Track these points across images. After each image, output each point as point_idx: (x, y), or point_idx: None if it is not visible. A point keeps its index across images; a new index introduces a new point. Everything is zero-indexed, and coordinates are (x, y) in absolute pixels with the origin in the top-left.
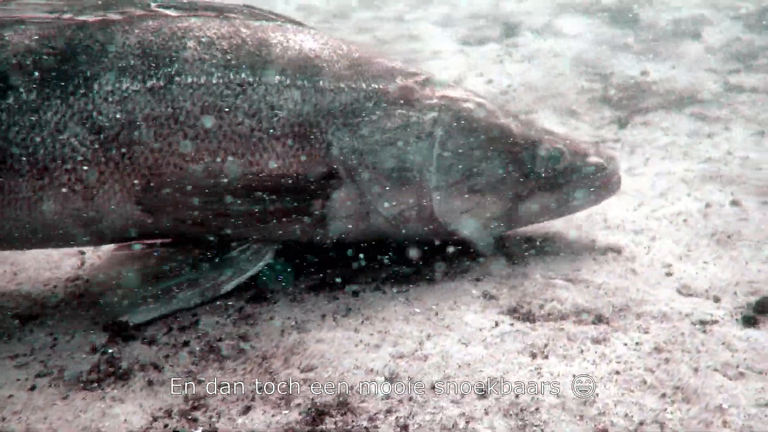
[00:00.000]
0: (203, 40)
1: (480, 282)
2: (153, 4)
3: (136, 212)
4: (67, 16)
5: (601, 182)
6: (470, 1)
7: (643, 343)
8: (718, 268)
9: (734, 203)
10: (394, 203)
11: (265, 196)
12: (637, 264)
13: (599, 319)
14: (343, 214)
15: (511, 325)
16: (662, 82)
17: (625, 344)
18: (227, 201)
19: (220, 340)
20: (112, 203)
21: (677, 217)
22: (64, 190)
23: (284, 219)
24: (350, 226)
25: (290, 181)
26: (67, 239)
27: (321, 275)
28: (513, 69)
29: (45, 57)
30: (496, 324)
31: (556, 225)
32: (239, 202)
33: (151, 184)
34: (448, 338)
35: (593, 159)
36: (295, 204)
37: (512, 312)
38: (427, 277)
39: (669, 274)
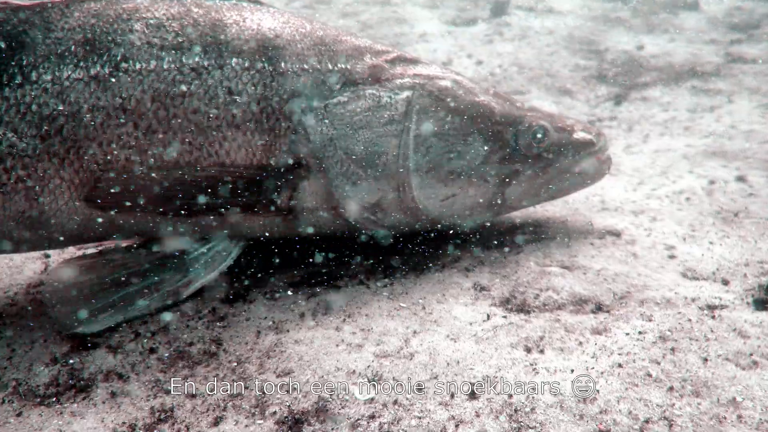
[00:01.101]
0: (151, 21)
1: (470, 272)
2: None
3: (86, 211)
4: None
5: (590, 160)
6: None
7: (647, 333)
8: (725, 248)
9: (740, 179)
10: (369, 191)
11: (226, 189)
12: (638, 247)
13: (599, 308)
14: (314, 206)
15: (504, 317)
16: (660, 56)
17: (627, 334)
18: (185, 196)
19: (191, 344)
20: (60, 202)
21: (679, 196)
22: (3, 190)
23: (249, 213)
24: (322, 218)
25: (253, 172)
26: (12, 244)
27: (301, 270)
28: (503, 49)
29: None
30: (488, 317)
31: (551, 208)
32: (198, 196)
33: (101, 180)
34: (435, 334)
35: (580, 135)
36: (260, 197)
37: (505, 303)
38: (414, 269)
39: (672, 257)
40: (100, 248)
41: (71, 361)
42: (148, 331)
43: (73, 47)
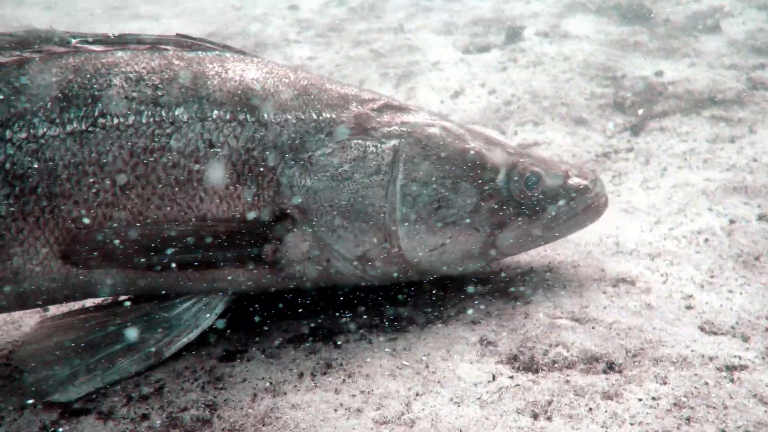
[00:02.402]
0: (131, 76)
1: (477, 325)
2: (74, 41)
3: (63, 270)
4: None
5: (585, 205)
6: (473, 6)
7: (661, 398)
8: (746, 297)
9: (762, 217)
10: (356, 243)
11: (209, 243)
12: (653, 296)
13: (610, 367)
14: (300, 259)
15: (511, 378)
16: (679, 83)
17: (640, 399)
18: (166, 252)
19: (184, 410)
20: (35, 262)
21: (698, 237)
22: None
23: (233, 268)
24: (308, 271)
25: (236, 226)
26: None
27: (302, 324)
28: (517, 76)
29: None
30: (494, 377)
31: (562, 251)
32: (180, 252)
33: (79, 239)
34: (438, 396)
35: (575, 181)
36: (244, 251)
37: (512, 360)
38: (419, 323)
39: (689, 308)
40: (79, 307)
41: (60, 430)
42: (141, 395)
43: (49, 103)
